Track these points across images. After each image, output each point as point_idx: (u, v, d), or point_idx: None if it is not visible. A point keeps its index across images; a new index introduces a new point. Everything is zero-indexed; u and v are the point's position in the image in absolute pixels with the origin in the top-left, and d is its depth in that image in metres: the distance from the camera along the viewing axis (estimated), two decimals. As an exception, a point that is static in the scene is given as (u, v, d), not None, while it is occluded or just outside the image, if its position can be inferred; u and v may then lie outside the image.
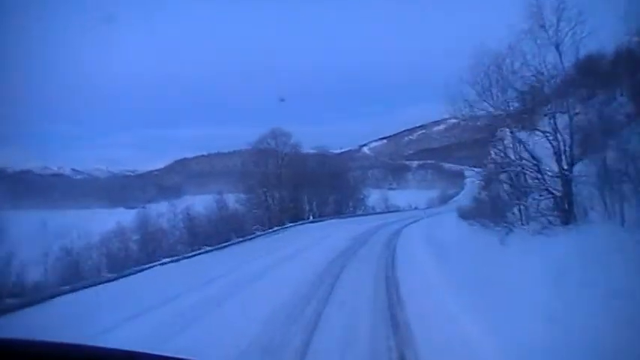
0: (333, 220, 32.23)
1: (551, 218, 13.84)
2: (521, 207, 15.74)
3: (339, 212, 39.41)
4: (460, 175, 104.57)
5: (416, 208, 63.43)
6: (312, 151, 40.97)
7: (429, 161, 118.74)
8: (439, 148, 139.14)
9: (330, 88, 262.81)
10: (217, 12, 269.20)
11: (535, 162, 13.43)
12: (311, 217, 32.50)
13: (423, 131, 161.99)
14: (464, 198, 77.41)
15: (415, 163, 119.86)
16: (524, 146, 13.55)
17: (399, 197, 68.79)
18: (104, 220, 43.28)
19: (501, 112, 15.59)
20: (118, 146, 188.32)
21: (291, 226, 27.52)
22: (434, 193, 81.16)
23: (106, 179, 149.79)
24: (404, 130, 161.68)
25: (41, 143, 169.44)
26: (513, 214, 15.80)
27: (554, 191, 13.27)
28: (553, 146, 13.37)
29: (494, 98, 14.66)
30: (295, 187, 34.43)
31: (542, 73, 13.60)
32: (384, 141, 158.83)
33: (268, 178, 33.25)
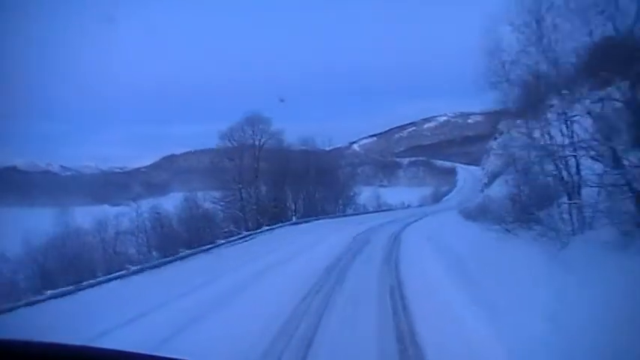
0: (320, 221, 27.42)
1: (627, 226, 9.38)
2: (572, 208, 11.24)
3: (327, 212, 34.78)
4: (452, 172, 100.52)
5: (409, 207, 59.26)
6: (297, 144, 36.14)
7: (419, 158, 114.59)
8: (430, 145, 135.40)
9: (322, 87, 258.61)
10: (212, 11, 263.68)
11: (610, 145, 8.86)
12: (294, 219, 27.09)
13: (414, 128, 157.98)
14: (457, 195, 73.64)
15: (406, 160, 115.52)
16: (598, 121, 8.94)
17: (391, 195, 64.14)
18: (77, 218, 38.65)
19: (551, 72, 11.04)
20: (112, 143, 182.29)
21: (267, 230, 22.36)
22: (426, 191, 76.78)
23: (94, 176, 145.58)
24: (394, 127, 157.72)
25: (33, 140, 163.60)
26: (562, 218, 11.27)
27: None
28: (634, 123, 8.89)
29: (544, 50, 10.04)
30: (276, 184, 29.56)
31: (616, 15, 9.11)
32: (374, 138, 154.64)
33: (243, 173, 28.22)
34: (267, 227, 22.85)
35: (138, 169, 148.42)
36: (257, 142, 30.25)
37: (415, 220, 27.88)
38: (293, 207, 31.51)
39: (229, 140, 30.16)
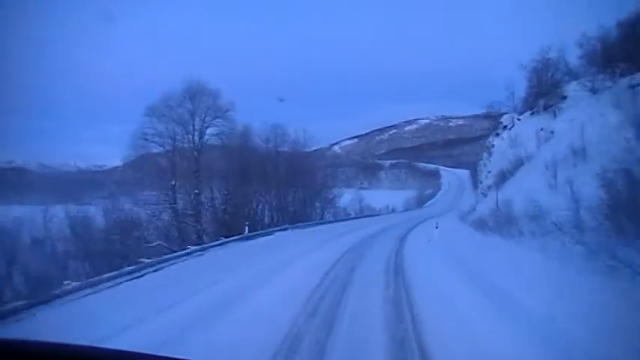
0: (287, 233, 19.68)
1: None
2: None
3: (301, 218, 27.32)
4: (435, 175, 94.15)
5: (393, 211, 52.67)
6: (266, 135, 28.77)
7: (401, 160, 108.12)
8: (411, 147, 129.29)
9: (303, 88, 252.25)
10: (204, 12, 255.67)
11: None
12: (246, 230, 18.07)
13: (395, 131, 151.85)
14: (443, 198, 66.98)
15: (388, 162, 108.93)
16: None
17: (373, 198, 57.21)
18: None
19: None
20: (106, 142, 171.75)
21: (196, 252, 12.73)
22: (409, 194, 70.14)
23: (70, 174, 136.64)
24: (375, 130, 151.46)
25: (20, 138, 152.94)
26: None
27: None
28: None
29: None
30: (230, 182, 21.80)
31: None
32: (355, 140, 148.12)
33: (177, 166, 20.23)
34: (198, 247, 14.24)
35: (115, 168, 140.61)
36: (198, 123, 21.33)
37: (409, 230, 20.80)
38: (254, 213, 23.60)
39: (157, 118, 21.13)
